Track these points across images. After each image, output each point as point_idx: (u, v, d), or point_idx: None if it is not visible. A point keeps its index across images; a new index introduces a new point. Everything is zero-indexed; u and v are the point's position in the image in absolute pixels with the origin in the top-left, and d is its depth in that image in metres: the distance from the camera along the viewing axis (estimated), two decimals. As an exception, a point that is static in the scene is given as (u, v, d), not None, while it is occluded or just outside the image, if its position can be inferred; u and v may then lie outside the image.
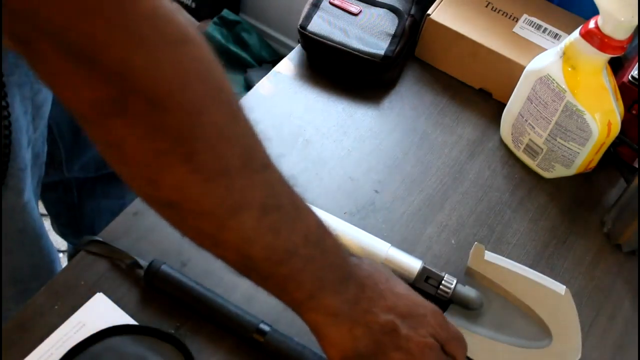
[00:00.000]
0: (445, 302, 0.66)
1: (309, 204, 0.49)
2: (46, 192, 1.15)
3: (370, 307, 0.51)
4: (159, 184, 0.43)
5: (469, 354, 0.64)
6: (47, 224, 1.40)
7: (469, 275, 0.69)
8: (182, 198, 0.44)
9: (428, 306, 0.56)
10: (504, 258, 0.70)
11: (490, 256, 0.70)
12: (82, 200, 1.12)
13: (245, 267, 0.48)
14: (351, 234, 0.69)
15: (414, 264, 0.67)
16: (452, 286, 0.66)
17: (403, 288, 0.55)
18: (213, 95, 0.43)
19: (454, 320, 0.66)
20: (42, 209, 1.24)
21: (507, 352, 0.65)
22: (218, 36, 1.91)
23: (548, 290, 0.69)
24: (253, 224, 0.45)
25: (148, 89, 0.39)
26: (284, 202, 0.47)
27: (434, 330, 0.54)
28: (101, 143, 0.43)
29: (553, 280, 0.70)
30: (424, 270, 0.67)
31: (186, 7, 2.04)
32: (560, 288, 0.69)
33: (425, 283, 0.66)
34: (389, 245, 0.68)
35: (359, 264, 0.53)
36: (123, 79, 0.39)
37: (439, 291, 0.66)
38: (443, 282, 0.66)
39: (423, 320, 0.54)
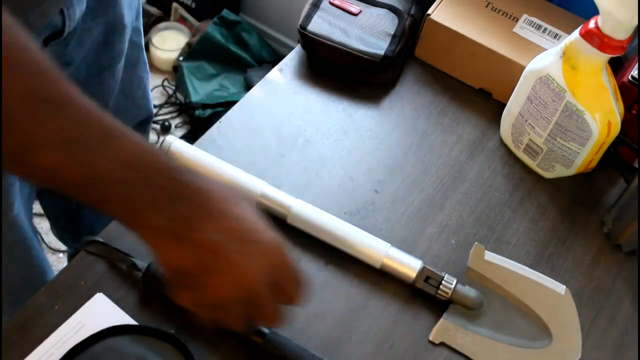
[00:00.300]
0: (445, 302, 0.66)
1: (127, 131, 0.49)
2: (44, 197, 1.15)
3: (200, 226, 0.50)
4: None
5: (470, 354, 0.64)
6: (46, 225, 1.40)
7: (469, 275, 0.69)
8: None
9: (271, 237, 0.53)
10: (504, 258, 0.71)
11: (490, 256, 0.70)
12: (80, 204, 1.12)
13: (67, 193, 0.49)
14: (351, 234, 0.69)
15: (414, 264, 0.67)
16: (452, 286, 0.66)
17: (248, 213, 0.53)
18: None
19: (454, 320, 0.66)
20: (40, 211, 1.24)
21: (507, 352, 0.65)
22: (218, 36, 1.91)
23: (548, 290, 0.69)
24: (52, 160, 0.46)
25: None
26: (86, 134, 0.47)
27: (270, 263, 0.52)
28: None
29: (553, 280, 0.70)
30: (424, 270, 0.67)
31: (186, 7, 2.04)
32: (560, 288, 0.69)
33: (425, 283, 0.66)
34: (389, 245, 0.68)
35: (193, 184, 0.51)
36: None
37: (439, 291, 0.66)
38: (443, 282, 0.66)
39: (259, 250, 0.52)
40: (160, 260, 0.52)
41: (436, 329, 0.65)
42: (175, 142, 0.72)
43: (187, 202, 0.50)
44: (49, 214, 1.23)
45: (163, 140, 0.73)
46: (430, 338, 0.65)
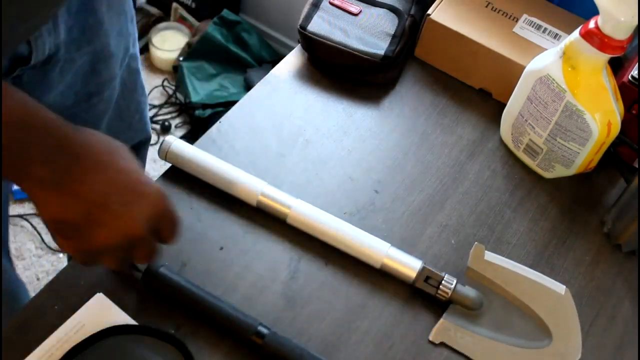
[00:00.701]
0: (445, 302, 0.66)
1: (12, 90, 0.50)
2: None
3: (82, 178, 0.52)
4: None
5: (470, 354, 0.64)
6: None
7: (469, 275, 0.69)
8: None
9: (151, 186, 0.56)
10: (504, 258, 0.71)
11: (490, 256, 0.70)
12: None
13: None
14: (351, 234, 0.69)
15: (414, 264, 0.67)
16: (452, 286, 0.66)
17: (130, 165, 0.56)
18: None
19: (454, 320, 0.66)
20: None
21: (507, 352, 0.65)
22: (218, 36, 1.91)
23: (548, 290, 0.69)
24: None
25: None
26: None
27: (150, 211, 0.55)
28: None
29: (553, 280, 0.70)
30: (423, 270, 0.67)
31: (186, 7, 2.04)
32: (560, 288, 0.69)
33: (425, 283, 0.66)
34: (389, 245, 0.68)
35: (78, 139, 0.53)
36: None
37: (439, 291, 0.66)
38: (443, 282, 0.66)
39: (140, 199, 0.55)
40: (41, 210, 0.53)
41: (436, 329, 0.65)
42: (175, 142, 0.72)
43: (71, 155, 0.52)
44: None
45: (163, 141, 0.73)
46: (430, 338, 0.65)
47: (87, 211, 0.53)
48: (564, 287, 0.69)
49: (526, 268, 0.70)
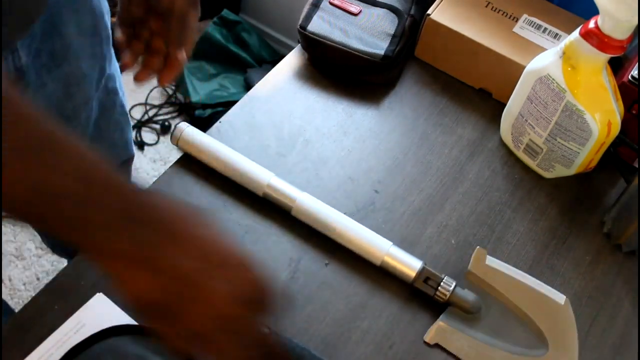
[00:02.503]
0: (444, 304, 0.66)
1: (74, 138, 0.44)
2: None
3: (164, 252, 0.46)
4: None
5: (464, 358, 0.64)
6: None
7: (469, 279, 0.69)
8: None
9: (239, 257, 0.49)
10: (505, 264, 0.70)
11: (491, 261, 0.70)
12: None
13: (14, 212, 0.44)
14: (354, 229, 0.69)
15: (414, 264, 0.67)
16: (451, 288, 0.66)
17: (211, 232, 0.49)
18: None
19: (451, 323, 0.66)
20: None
21: (501, 358, 0.65)
22: (218, 36, 1.91)
23: (547, 299, 0.69)
24: (9, 168, 0.41)
25: None
26: (36, 145, 0.43)
27: (241, 282, 0.48)
28: None
29: (553, 290, 0.69)
30: (423, 270, 0.67)
31: (186, 7, 2.04)
32: (560, 298, 0.69)
33: (424, 284, 0.66)
34: (391, 243, 0.68)
35: (151, 204, 0.47)
36: None
37: (437, 293, 0.66)
38: (442, 283, 0.66)
39: (229, 271, 0.48)
40: (124, 291, 0.47)
41: (432, 330, 0.65)
42: (187, 129, 0.74)
43: (147, 224, 0.46)
44: (38, 231, 1.22)
45: (175, 127, 0.74)
46: (425, 339, 0.65)
47: (173, 289, 0.46)
48: (564, 296, 0.69)
49: (527, 275, 0.70)
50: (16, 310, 0.63)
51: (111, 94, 0.91)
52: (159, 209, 0.47)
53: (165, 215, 0.47)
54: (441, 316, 0.66)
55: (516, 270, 0.70)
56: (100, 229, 0.44)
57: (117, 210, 0.45)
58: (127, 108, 0.98)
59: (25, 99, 0.44)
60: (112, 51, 0.89)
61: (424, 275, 0.66)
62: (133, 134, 1.75)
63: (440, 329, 0.65)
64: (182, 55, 0.72)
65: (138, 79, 0.73)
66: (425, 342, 0.65)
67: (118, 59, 0.73)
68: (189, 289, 0.46)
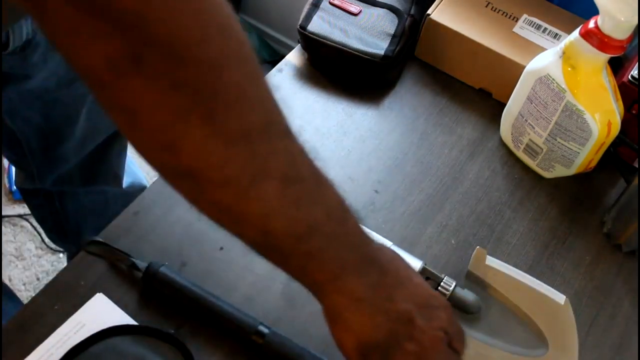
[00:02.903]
0: None
1: (330, 180, 0.46)
2: (29, 199, 1.15)
3: (391, 294, 0.49)
4: (177, 150, 0.40)
5: (463, 357, 0.64)
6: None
7: (469, 279, 0.69)
8: (202, 164, 0.40)
9: (441, 299, 0.54)
10: (505, 264, 0.70)
11: (491, 261, 0.70)
12: (64, 205, 1.11)
13: (265, 244, 0.45)
14: None
15: (414, 264, 0.67)
16: (451, 288, 0.66)
17: (419, 278, 0.54)
18: (235, 50, 0.40)
19: None
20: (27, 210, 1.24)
21: (501, 358, 0.65)
22: (218, 36, 1.91)
23: (548, 299, 0.68)
24: (274, 195, 0.42)
25: (165, 41, 0.36)
26: (305, 174, 0.44)
27: (445, 323, 0.52)
28: (115, 109, 0.40)
29: (553, 290, 0.69)
30: (423, 270, 0.67)
31: (186, 7, 2.04)
32: (560, 297, 0.69)
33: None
34: (391, 243, 0.68)
35: (381, 248, 0.51)
36: (139, 31, 0.36)
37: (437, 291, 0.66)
38: (442, 283, 0.66)
39: (437, 313, 0.52)
40: (347, 327, 0.49)
41: None
42: None
43: (377, 266, 0.49)
44: (35, 216, 1.22)
45: None
46: None
47: (395, 329, 0.49)
48: (564, 297, 0.69)
49: (527, 275, 0.70)
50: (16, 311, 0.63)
51: None
52: (382, 252, 0.50)
53: (388, 259, 0.51)
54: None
55: (516, 270, 0.70)
56: (349, 271, 0.46)
57: (359, 252, 0.47)
58: None
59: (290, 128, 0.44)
60: None
61: (424, 275, 0.66)
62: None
63: None
64: None
65: None
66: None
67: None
68: (409, 330, 0.49)
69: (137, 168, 1.21)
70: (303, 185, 0.44)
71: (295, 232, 0.44)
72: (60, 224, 1.16)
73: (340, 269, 0.47)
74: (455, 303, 0.66)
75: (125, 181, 1.10)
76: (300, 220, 0.44)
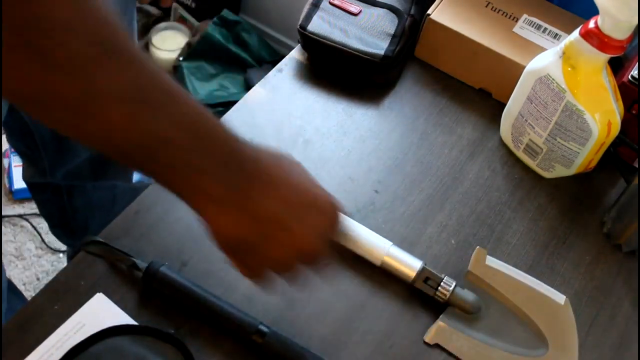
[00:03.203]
0: (444, 304, 0.66)
1: (188, 94, 0.48)
2: (37, 193, 1.15)
3: (258, 196, 0.51)
4: (12, 81, 0.42)
5: (464, 358, 0.64)
6: (46, 225, 1.41)
7: (468, 279, 0.69)
8: (38, 90, 0.42)
9: (328, 204, 0.56)
10: (505, 264, 0.70)
11: (491, 261, 0.70)
12: (72, 200, 1.12)
13: (118, 155, 0.48)
14: (353, 229, 0.69)
15: (414, 264, 0.67)
16: (451, 289, 0.66)
17: (300, 178, 0.55)
18: None
19: (451, 323, 0.66)
20: (37, 210, 1.24)
21: (501, 358, 0.65)
22: (218, 36, 1.91)
23: (547, 299, 0.68)
24: (117, 114, 0.44)
25: None
26: (152, 92, 0.46)
27: (326, 225, 0.55)
28: None
29: (553, 290, 0.69)
30: (423, 270, 0.67)
31: (186, 7, 2.04)
32: (560, 298, 0.69)
33: (424, 284, 0.66)
34: (391, 243, 0.68)
35: (248, 152, 0.52)
36: None
37: (437, 293, 0.66)
38: (442, 283, 0.66)
39: (315, 213, 0.54)
40: (214, 229, 0.52)
41: (432, 330, 0.65)
42: None
43: (244, 171, 0.51)
44: (42, 211, 1.23)
45: None
46: (425, 339, 0.65)
47: (262, 229, 0.52)
48: (564, 297, 0.69)
49: (527, 275, 0.70)
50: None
51: None
52: (253, 156, 0.52)
53: (259, 162, 0.52)
54: (441, 316, 0.66)
55: (516, 270, 0.70)
56: (204, 175, 0.49)
57: (217, 158, 0.49)
58: None
59: (136, 44, 0.46)
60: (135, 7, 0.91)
61: (424, 276, 0.66)
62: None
63: (440, 329, 0.65)
64: None
65: None
66: (425, 342, 0.65)
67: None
68: (275, 229, 0.52)
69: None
70: (148, 104, 0.45)
71: (144, 146, 0.46)
72: (67, 220, 1.16)
73: (198, 174, 0.49)
74: (455, 303, 0.66)
75: (135, 177, 1.10)
76: (147, 136, 0.46)
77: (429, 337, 0.65)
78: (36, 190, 1.13)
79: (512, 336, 0.66)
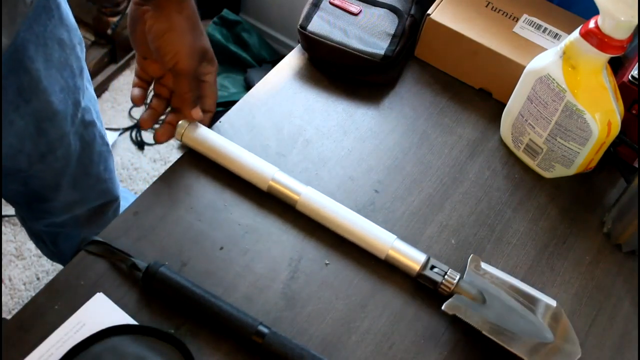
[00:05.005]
0: (447, 295, 0.66)
1: None
2: (28, 221, 1.11)
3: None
4: None
5: (480, 328, 0.63)
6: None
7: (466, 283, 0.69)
8: None
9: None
10: (499, 270, 0.69)
11: (486, 266, 0.69)
12: (57, 245, 1.09)
13: None
14: (358, 223, 0.69)
15: (418, 257, 0.67)
16: (455, 281, 0.66)
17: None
18: None
19: (463, 303, 0.65)
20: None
21: (513, 336, 0.64)
22: (218, 36, 1.91)
23: (541, 302, 0.68)
24: None
25: None
26: None
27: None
28: None
29: (545, 295, 0.69)
30: (429, 261, 0.67)
31: (186, 7, 2.04)
32: (552, 302, 0.68)
33: (431, 271, 0.66)
34: (395, 237, 0.68)
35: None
36: None
37: (444, 280, 0.66)
38: (446, 276, 0.66)
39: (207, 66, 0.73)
40: (181, 44, 0.67)
41: (449, 302, 0.64)
42: (191, 124, 0.74)
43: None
44: (32, 239, 1.20)
45: (179, 122, 0.74)
46: (443, 308, 0.64)
47: (206, 47, 0.71)
48: (555, 301, 0.68)
49: (520, 282, 0.69)
50: (16, 311, 0.63)
51: (89, 127, 0.89)
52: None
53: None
54: (452, 297, 0.65)
55: (509, 276, 0.69)
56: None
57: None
58: (107, 139, 0.97)
59: None
60: (87, 83, 0.86)
61: (430, 265, 0.67)
62: (133, 133, 1.76)
63: (455, 304, 0.64)
64: (197, 112, 0.72)
65: (158, 139, 0.74)
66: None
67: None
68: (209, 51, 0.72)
69: (133, 197, 1.19)
70: None
71: None
72: (57, 254, 1.15)
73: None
74: (462, 292, 0.66)
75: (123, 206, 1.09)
76: None
77: (446, 306, 0.64)
78: (23, 225, 1.12)
79: (519, 325, 0.66)
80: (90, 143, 0.91)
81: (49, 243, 1.10)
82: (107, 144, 0.96)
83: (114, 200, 1.02)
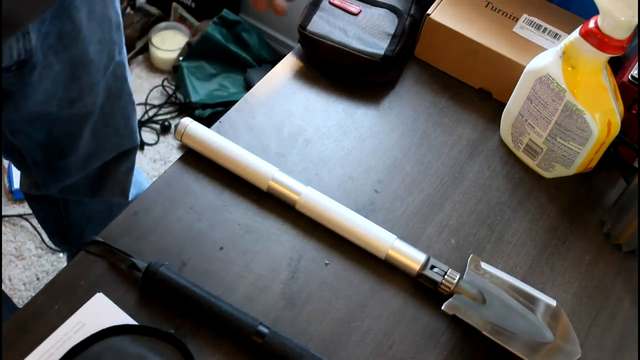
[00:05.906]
0: (447, 296, 0.66)
1: None
2: (33, 203, 1.15)
3: None
4: None
5: (479, 328, 0.63)
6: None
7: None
8: None
9: None
10: (499, 270, 0.69)
11: (485, 266, 0.69)
12: (68, 211, 1.12)
13: None
14: (358, 223, 0.69)
15: (418, 257, 0.67)
16: (455, 281, 0.66)
17: None
18: None
19: (463, 302, 0.65)
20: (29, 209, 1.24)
21: (513, 336, 0.64)
22: (218, 36, 1.91)
23: (541, 302, 0.68)
24: None
25: None
26: None
27: None
28: None
29: (544, 294, 0.69)
30: (429, 261, 0.67)
31: (186, 7, 2.04)
32: (552, 301, 0.68)
33: (430, 271, 0.66)
34: (395, 237, 0.69)
35: None
36: None
37: (443, 280, 0.66)
38: (446, 276, 0.66)
39: None
40: None
41: (448, 302, 0.65)
42: (191, 124, 0.74)
43: None
44: (39, 220, 1.22)
45: (179, 122, 0.74)
46: (443, 308, 0.64)
47: None
48: (555, 301, 0.68)
49: (520, 281, 0.69)
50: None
51: (119, 81, 0.91)
52: None
53: None
54: (453, 296, 0.65)
55: (509, 275, 0.69)
56: None
57: None
58: (134, 98, 0.99)
59: None
60: (123, 38, 0.89)
61: (429, 265, 0.67)
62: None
63: (455, 303, 0.64)
64: None
65: (256, 5, 0.76)
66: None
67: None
68: None
69: (143, 178, 1.20)
70: None
71: None
72: (64, 229, 1.16)
73: None
74: (462, 292, 0.66)
75: (131, 192, 1.10)
76: None
77: (446, 306, 0.64)
78: (33, 200, 1.14)
79: (518, 325, 0.66)
80: (115, 96, 0.92)
81: (62, 210, 1.11)
82: (133, 103, 0.99)
83: (131, 149, 1.03)
